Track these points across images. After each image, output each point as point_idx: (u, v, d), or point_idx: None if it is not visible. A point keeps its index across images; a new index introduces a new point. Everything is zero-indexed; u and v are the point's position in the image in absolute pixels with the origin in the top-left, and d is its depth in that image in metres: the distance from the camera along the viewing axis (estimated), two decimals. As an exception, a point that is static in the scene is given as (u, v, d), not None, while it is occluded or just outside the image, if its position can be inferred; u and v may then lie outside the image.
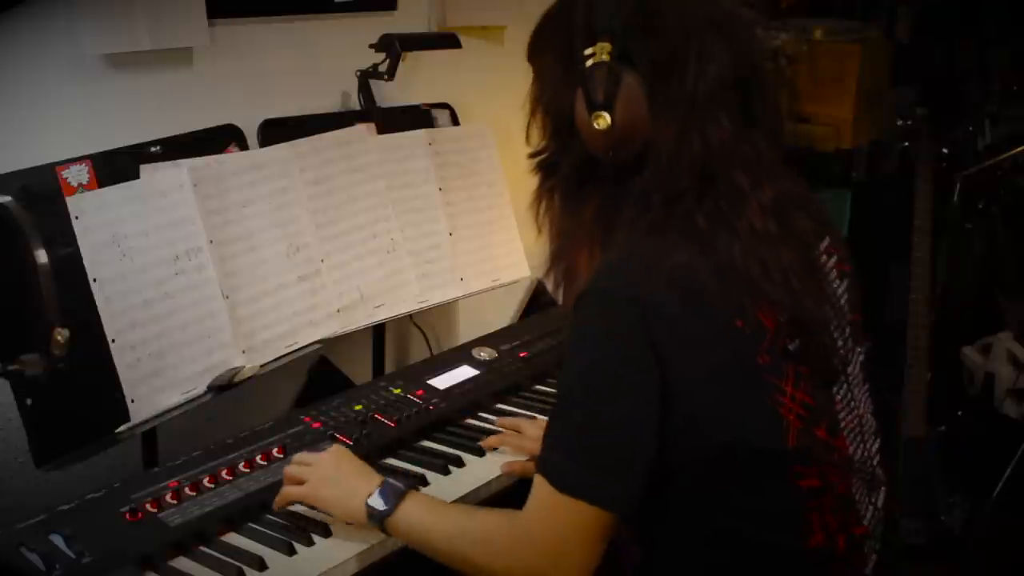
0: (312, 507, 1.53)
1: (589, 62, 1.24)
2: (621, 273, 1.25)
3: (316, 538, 1.50)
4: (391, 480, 1.46)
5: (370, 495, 1.43)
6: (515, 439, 1.80)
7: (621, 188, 1.28)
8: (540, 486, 1.27)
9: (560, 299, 1.40)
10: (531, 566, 1.28)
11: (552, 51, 1.31)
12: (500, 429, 1.85)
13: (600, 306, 1.24)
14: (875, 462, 1.43)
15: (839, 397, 1.35)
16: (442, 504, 1.46)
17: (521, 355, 2.12)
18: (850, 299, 1.40)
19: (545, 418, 1.85)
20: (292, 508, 1.56)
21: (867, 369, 1.44)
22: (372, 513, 1.42)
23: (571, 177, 1.33)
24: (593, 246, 1.31)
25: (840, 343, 1.36)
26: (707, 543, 1.31)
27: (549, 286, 1.41)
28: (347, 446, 1.71)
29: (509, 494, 1.72)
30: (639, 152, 1.27)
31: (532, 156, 1.36)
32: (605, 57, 1.23)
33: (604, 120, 1.24)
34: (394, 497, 1.42)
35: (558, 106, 1.31)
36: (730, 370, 1.24)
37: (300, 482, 1.52)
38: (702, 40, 1.23)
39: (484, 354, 2.10)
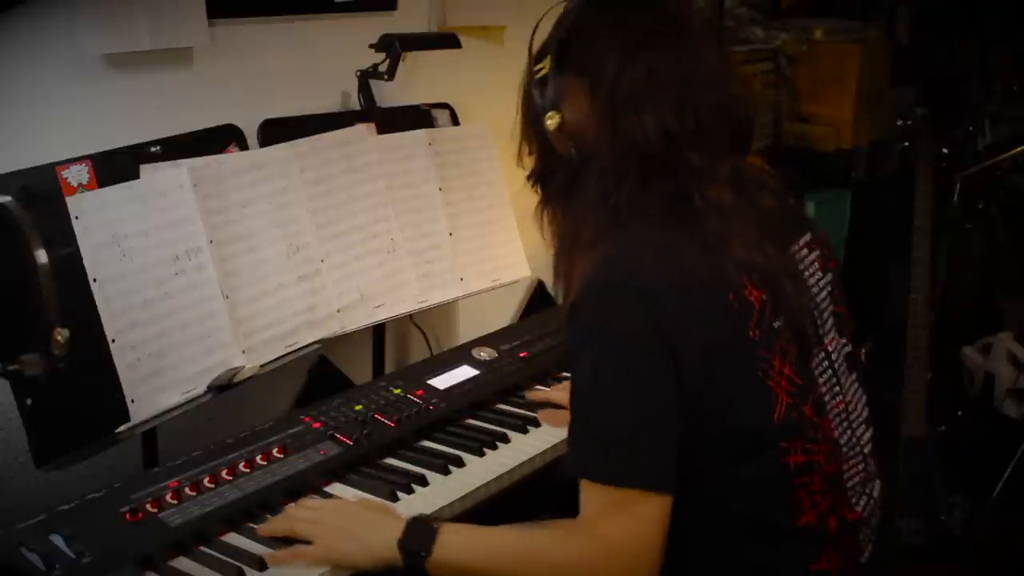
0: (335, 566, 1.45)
1: (538, 75, 1.42)
2: (615, 266, 1.31)
3: (316, 538, 1.50)
4: (415, 517, 1.44)
5: (400, 539, 1.40)
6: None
7: (588, 187, 1.37)
8: (588, 489, 1.29)
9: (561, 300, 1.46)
10: (607, 572, 1.29)
11: (524, 83, 1.47)
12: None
13: (602, 299, 1.30)
14: (866, 451, 1.46)
15: (822, 380, 1.40)
16: (482, 529, 1.43)
17: (521, 355, 2.12)
18: (833, 292, 1.48)
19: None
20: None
21: (853, 360, 1.49)
22: (408, 558, 1.39)
23: (559, 185, 1.44)
24: (588, 245, 1.37)
25: (819, 324, 1.42)
26: (704, 526, 1.34)
27: (556, 292, 1.49)
28: (347, 446, 1.71)
29: (509, 494, 1.73)
30: (594, 144, 1.37)
31: (528, 177, 1.49)
32: (547, 69, 1.41)
33: (554, 119, 1.40)
34: (428, 534, 1.39)
35: (534, 126, 1.45)
36: (727, 345, 1.29)
37: (307, 540, 1.47)
38: (627, 41, 1.36)
39: (484, 354, 2.10)
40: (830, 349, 1.43)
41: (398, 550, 1.39)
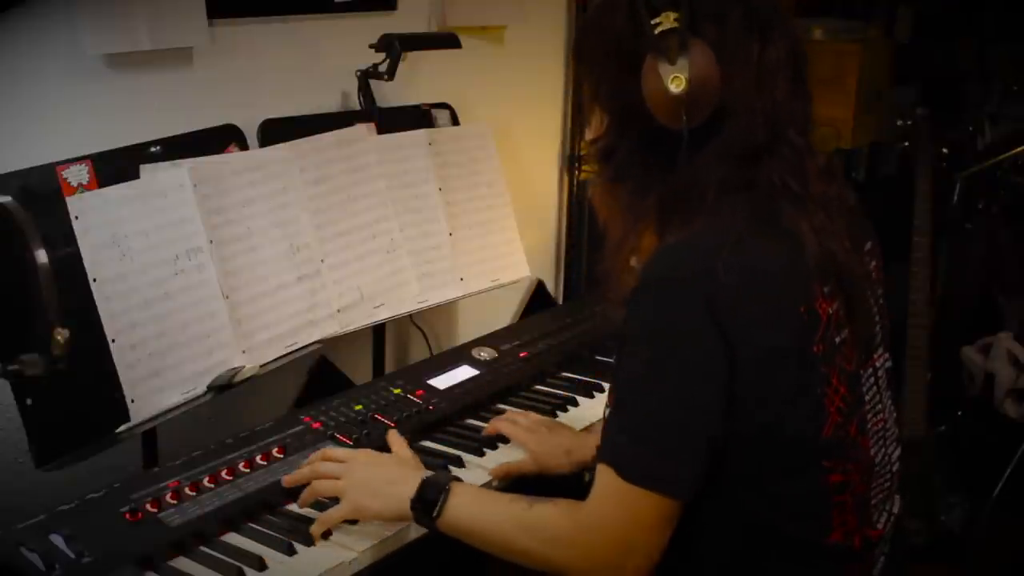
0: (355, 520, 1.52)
1: (658, 30, 1.26)
2: (682, 256, 1.25)
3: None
4: (429, 476, 1.46)
5: (412, 498, 1.43)
6: (511, 425, 1.80)
7: (689, 163, 1.28)
8: (605, 475, 1.27)
9: (613, 281, 1.37)
10: (598, 557, 1.28)
11: (605, 42, 1.34)
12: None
13: (664, 291, 1.24)
14: (894, 469, 1.43)
15: (868, 398, 1.36)
16: (492, 495, 1.46)
17: (521, 355, 2.12)
18: (883, 305, 1.43)
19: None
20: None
21: (892, 376, 1.46)
22: (418, 518, 1.43)
23: (636, 160, 1.34)
24: (658, 228, 1.32)
25: (874, 335, 1.39)
26: (732, 538, 1.32)
27: (607, 277, 1.38)
28: (347, 446, 1.71)
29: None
30: (711, 116, 1.28)
31: (593, 142, 1.38)
32: (673, 24, 1.26)
33: (680, 80, 1.25)
34: (437, 496, 1.41)
35: (620, 91, 1.32)
36: (789, 357, 1.24)
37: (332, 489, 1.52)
38: (755, 8, 1.28)
39: (484, 354, 2.10)
40: (877, 364, 1.40)
41: (409, 510, 1.44)
